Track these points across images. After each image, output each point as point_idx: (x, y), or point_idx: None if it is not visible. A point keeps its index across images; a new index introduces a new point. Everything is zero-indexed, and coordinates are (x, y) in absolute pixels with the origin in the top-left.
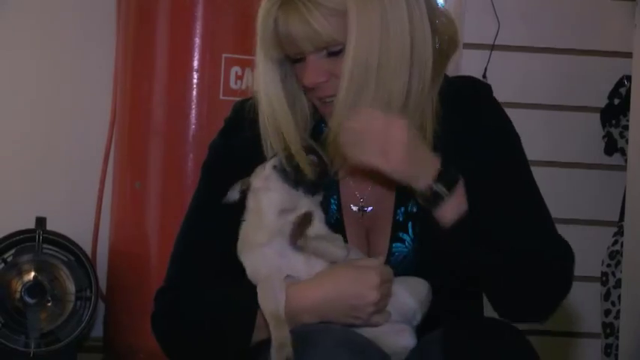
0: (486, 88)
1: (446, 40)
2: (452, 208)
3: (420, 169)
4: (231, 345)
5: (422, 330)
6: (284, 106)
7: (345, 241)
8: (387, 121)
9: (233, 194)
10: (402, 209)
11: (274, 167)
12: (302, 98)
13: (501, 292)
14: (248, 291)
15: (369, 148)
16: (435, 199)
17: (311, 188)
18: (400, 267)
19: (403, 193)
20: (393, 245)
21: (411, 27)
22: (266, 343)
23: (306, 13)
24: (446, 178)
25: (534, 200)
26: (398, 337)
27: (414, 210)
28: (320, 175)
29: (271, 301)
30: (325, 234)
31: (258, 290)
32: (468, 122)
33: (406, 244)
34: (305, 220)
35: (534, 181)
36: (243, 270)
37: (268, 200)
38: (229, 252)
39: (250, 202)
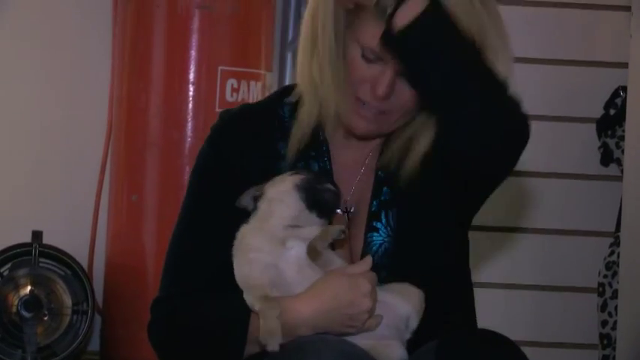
0: None
1: None
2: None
3: None
4: (223, 356)
5: (416, 342)
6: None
7: None
8: None
9: (246, 200)
10: (377, 201)
11: (296, 185)
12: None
13: (468, 123)
14: (241, 302)
15: None
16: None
17: (326, 214)
18: (377, 256)
19: (379, 183)
20: (369, 235)
21: None
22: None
23: None
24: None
25: None
26: (393, 347)
27: (387, 198)
28: (336, 201)
29: (257, 303)
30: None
31: (245, 293)
32: None
33: (380, 232)
34: (327, 234)
35: None
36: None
37: (281, 212)
38: (222, 259)
39: (261, 208)
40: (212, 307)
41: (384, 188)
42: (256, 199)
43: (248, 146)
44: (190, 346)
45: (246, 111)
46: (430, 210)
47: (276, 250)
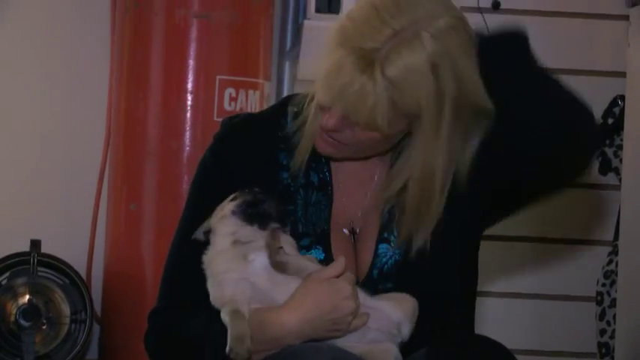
0: None
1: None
2: None
3: None
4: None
5: (411, 347)
6: None
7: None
8: None
9: (199, 234)
10: (388, 213)
11: (232, 212)
12: None
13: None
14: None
15: None
16: None
17: (265, 223)
18: (386, 267)
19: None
20: (380, 246)
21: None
22: None
23: (379, 104)
24: None
25: None
26: (388, 351)
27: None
28: (272, 211)
29: (231, 294)
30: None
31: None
32: None
33: (391, 243)
34: (274, 235)
35: None
36: None
37: (223, 230)
38: None
39: (212, 239)
40: (199, 324)
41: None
42: (206, 233)
43: (250, 156)
44: (180, 358)
45: (249, 120)
46: (442, 225)
47: (241, 265)
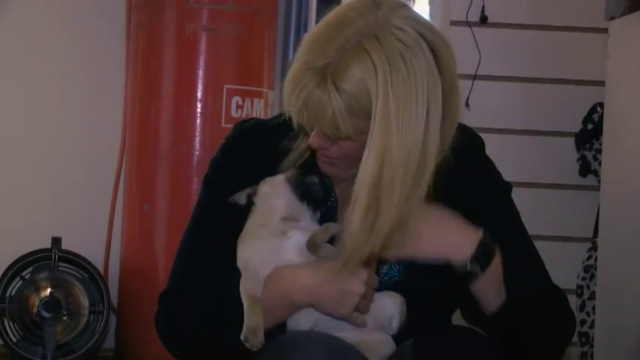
0: (482, 145)
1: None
2: (487, 286)
3: (453, 246)
4: (220, 346)
5: (403, 337)
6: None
7: None
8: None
9: (240, 197)
10: None
11: (287, 179)
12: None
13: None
14: (236, 298)
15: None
16: (470, 275)
17: (315, 205)
18: (384, 280)
19: None
20: (382, 265)
21: (425, 132)
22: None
23: (337, 113)
24: (482, 255)
25: (534, 257)
26: (383, 342)
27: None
28: (324, 195)
29: (252, 285)
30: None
31: (242, 276)
32: (469, 184)
33: (392, 265)
34: (328, 229)
35: (528, 235)
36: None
37: (275, 205)
38: (226, 257)
39: (259, 205)
40: (209, 302)
41: None
42: (250, 196)
43: (257, 160)
44: (190, 337)
45: (260, 126)
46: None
47: (278, 238)
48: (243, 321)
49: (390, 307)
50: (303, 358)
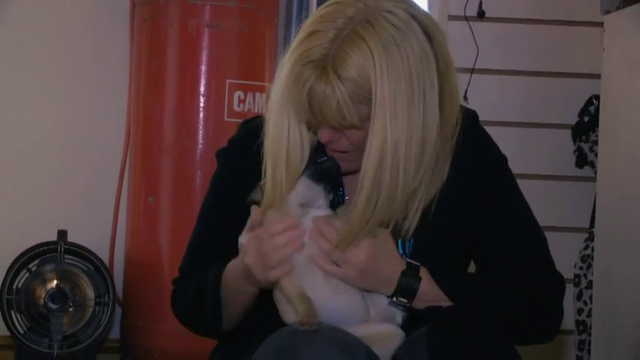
0: (476, 117)
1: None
2: (422, 302)
3: (376, 280)
4: (210, 320)
5: (410, 329)
6: (301, 150)
7: None
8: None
9: (255, 194)
10: (392, 230)
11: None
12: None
13: (500, 321)
14: (214, 272)
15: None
16: (401, 305)
17: (330, 183)
18: None
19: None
20: None
21: (424, 112)
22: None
23: (341, 102)
24: (405, 285)
25: (535, 235)
26: (392, 336)
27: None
28: (336, 169)
29: (293, 284)
30: None
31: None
32: (469, 159)
33: (399, 248)
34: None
35: (529, 210)
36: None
37: (294, 193)
38: (230, 250)
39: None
40: (196, 283)
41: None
42: (262, 187)
43: (261, 160)
44: (190, 315)
45: (263, 124)
46: (445, 240)
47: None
48: (218, 306)
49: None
50: (310, 353)
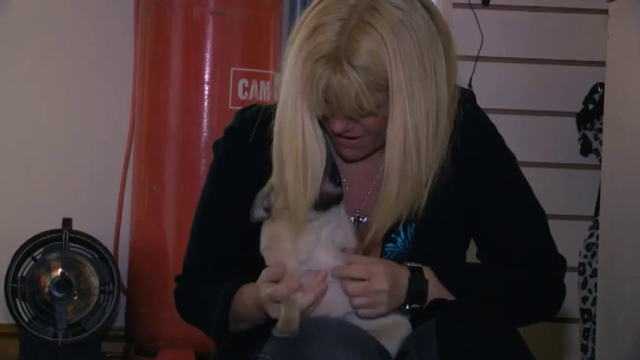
0: (473, 97)
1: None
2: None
3: (399, 297)
4: (214, 335)
5: (417, 319)
6: (319, 147)
7: None
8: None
9: (259, 212)
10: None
11: None
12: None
13: (504, 308)
14: (227, 289)
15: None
16: (414, 310)
17: (326, 207)
18: None
19: None
20: (386, 245)
21: (436, 88)
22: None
23: (359, 91)
24: (416, 292)
25: (535, 214)
26: (399, 326)
27: (404, 214)
28: (334, 197)
29: (283, 259)
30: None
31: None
32: (468, 140)
33: (398, 244)
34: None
35: (529, 188)
36: (245, 261)
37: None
38: (231, 244)
39: (277, 204)
40: (206, 291)
41: None
42: (267, 210)
43: (258, 148)
44: (193, 320)
45: (259, 113)
46: (446, 223)
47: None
48: (224, 322)
49: None
50: (320, 350)
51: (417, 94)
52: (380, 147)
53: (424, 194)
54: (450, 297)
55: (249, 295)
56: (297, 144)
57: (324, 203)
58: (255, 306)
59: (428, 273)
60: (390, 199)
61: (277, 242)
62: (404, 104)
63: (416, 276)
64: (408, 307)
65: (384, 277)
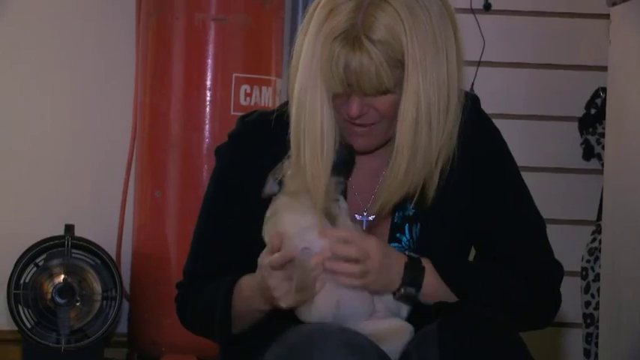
0: (478, 101)
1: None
2: (428, 294)
3: (389, 278)
4: (218, 337)
5: (418, 322)
6: (333, 132)
7: None
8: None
9: (272, 187)
10: (400, 212)
11: None
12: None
13: (502, 312)
14: (227, 286)
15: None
16: (409, 297)
17: (339, 171)
18: None
19: (403, 199)
20: (391, 245)
21: (447, 68)
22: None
23: (379, 66)
24: (411, 276)
25: (535, 221)
26: (402, 331)
27: (410, 213)
28: (348, 157)
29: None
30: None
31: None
32: (475, 143)
33: (403, 243)
34: (336, 186)
35: (529, 195)
36: (246, 263)
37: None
38: (233, 250)
39: (289, 187)
40: (206, 292)
41: (407, 203)
42: (280, 182)
43: (261, 153)
44: (196, 325)
45: (262, 119)
46: (451, 225)
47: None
48: (227, 322)
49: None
50: (323, 356)
51: (430, 71)
52: (388, 140)
53: (434, 174)
54: (445, 288)
55: (248, 284)
56: (316, 124)
57: (338, 165)
58: (256, 291)
59: (426, 263)
60: (400, 173)
61: (276, 215)
62: (418, 79)
63: (414, 263)
64: (402, 290)
65: (376, 254)
